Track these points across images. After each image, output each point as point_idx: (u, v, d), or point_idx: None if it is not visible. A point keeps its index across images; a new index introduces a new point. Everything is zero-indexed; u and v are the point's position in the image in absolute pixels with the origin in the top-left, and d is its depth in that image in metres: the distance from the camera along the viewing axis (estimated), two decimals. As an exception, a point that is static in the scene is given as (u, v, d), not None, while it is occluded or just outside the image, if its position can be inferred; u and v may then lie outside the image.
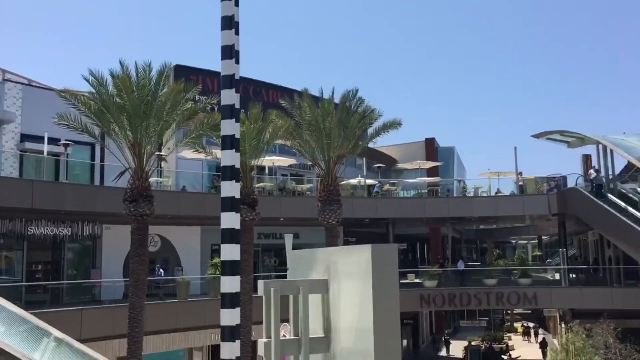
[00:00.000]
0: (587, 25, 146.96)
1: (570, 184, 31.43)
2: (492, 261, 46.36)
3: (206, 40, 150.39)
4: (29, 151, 23.92)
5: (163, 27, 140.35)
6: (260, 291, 3.54)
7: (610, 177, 29.59)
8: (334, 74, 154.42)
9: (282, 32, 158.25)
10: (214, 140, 20.78)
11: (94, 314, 19.56)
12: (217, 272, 21.94)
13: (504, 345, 40.14)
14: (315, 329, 3.55)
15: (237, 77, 4.40)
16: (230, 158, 4.27)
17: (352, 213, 26.99)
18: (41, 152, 23.16)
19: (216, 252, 25.14)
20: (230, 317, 4.04)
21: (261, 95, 34.03)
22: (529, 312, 50.48)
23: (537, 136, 32.82)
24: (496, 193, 32.94)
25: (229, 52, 4.38)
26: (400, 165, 43.57)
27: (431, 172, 41.62)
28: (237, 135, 4.35)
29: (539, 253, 52.48)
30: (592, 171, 29.78)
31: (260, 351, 3.48)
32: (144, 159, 17.52)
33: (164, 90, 18.06)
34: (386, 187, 34.81)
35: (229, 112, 4.32)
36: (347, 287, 3.34)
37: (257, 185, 26.01)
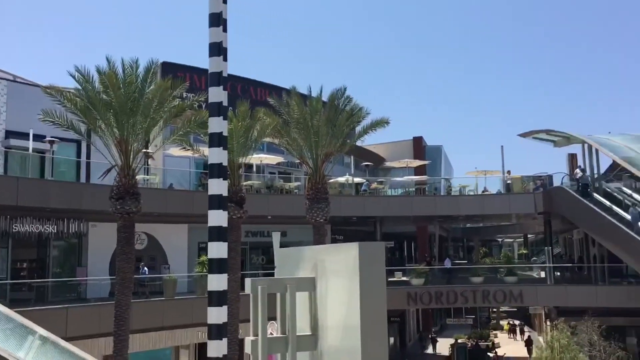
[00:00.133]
0: (578, 25, 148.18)
1: (556, 182, 31.70)
2: (479, 259, 46.60)
3: (194, 37, 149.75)
4: (14, 148, 23.69)
5: (150, 24, 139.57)
6: (248, 289, 3.54)
7: (596, 176, 29.86)
8: (322, 72, 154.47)
9: (271, 29, 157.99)
10: (201, 137, 20.71)
11: (80, 312, 19.43)
12: (204, 270, 21.90)
13: (490, 343, 40.41)
14: (303, 327, 3.56)
15: (225, 74, 4.38)
16: (217, 156, 4.25)
17: (339, 211, 27.02)
18: (26, 149, 22.95)
19: (203, 250, 25.08)
20: (217, 315, 4.03)
21: (249, 93, 33.94)
22: (515, 309, 50.80)
23: (523, 135, 33.04)
24: (483, 192, 33.14)
25: (217, 50, 4.36)
26: (388, 164, 43.67)
27: (419, 170, 41.79)
28: (225, 133, 4.33)
29: (524, 251, 52.82)
30: (578, 170, 30.03)
31: (248, 349, 3.49)
32: (131, 156, 17.42)
33: (151, 87, 17.94)
34: (374, 185, 34.88)
35: (217, 109, 4.31)
36: (334, 285, 3.34)
37: (244, 183, 25.95)
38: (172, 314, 21.56)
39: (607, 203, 27.51)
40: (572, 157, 33.81)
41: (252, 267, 29.43)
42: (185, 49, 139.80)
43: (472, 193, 33.22)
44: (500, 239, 67.32)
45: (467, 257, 56.75)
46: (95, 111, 17.23)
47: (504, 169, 34.60)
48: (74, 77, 17.32)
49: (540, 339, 35.83)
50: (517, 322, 49.84)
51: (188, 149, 21.27)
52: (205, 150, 18.70)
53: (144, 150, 19.79)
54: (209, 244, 4.16)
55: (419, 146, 49.18)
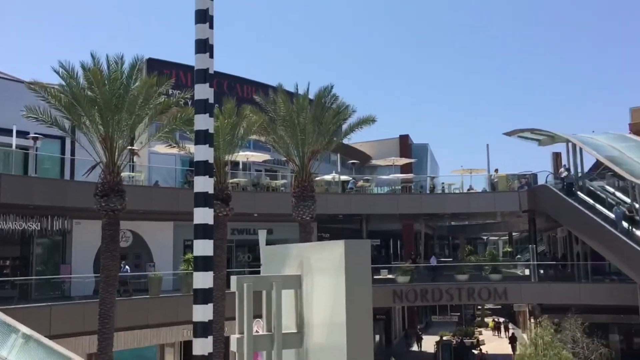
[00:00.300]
0: (564, 25, 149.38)
1: (541, 181, 31.96)
2: (464, 257, 46.83)
3: (180, 33, 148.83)
4: (-4, 144, 23.39)
5: (136, 20, 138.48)
6: (234, 287, 3.53)
7: (580, 174, 30.15)
8: (308, 70, 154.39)
9: (257, 26, 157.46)
10: (187, 135, 20.60)
11: (64, 310, 19.25)
12: (190, 268, 21.80)
13: (475, 340, 40.69)
14: (288, 325, 3.56)
15: (211, 71, 4.37)
16: (203, 153, 4.24)
17: (326, 209, 27.05)
18: (9, 146, 22.67)
19: (189, 247, 24.99)
20: (202, 313, 4.03)
21: (235, 90, 33.81)
22: (500, 307, 51.22)
23: (508, 134, 33.24)
24: (468, 190, 33.33)
25: (203, 46, 4.35)
26: (374, 162, 43.78)
27: (405, 168, 41.93)
28: (211, 130, 4.32)
29: (509, 249, 53.22)
30: (562, 170, 30.31)
31: (233, 347, 3.48)
32: (116, 153, 17.28)
33: (137, 83, 17.80)
34: (360, 183, 34.95)
35: (203, 106, 4.30)
36: (320, 282, 3.35)
37: (230, 181, 25.84)
38: (157, 312, 21.45)
39: (591, 201, 27.80)
40: (557, 156, 34.11)
41: (238, 265, 29.36)
42: (171, 46, 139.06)
43: (457, 191, 33.41)
44: (485, 237, 67.77)
45: (453, 254, 57.05)
46: (79, 107, 17.05)
47: (490, 167, 34.85)
48: (57, 73, 17.15)
49: (524, 336, 36.15)
50: (501, 320, 50.19)
51: (174, 146, 21.15)
52: (191, 147, 18.65)
53: (129, 147, 19.66)
54: (195, 241, 4.16)
55: (405, 144, 49.34)
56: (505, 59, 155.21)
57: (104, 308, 16.58)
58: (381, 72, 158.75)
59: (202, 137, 4.26)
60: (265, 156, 31.10)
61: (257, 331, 3.67)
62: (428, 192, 35.06)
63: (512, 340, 38.15)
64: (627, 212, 25.32)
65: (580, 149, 29.75)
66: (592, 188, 29.29)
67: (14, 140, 22.43)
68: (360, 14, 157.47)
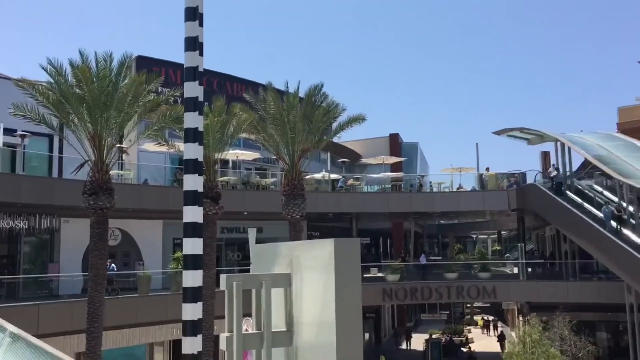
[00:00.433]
0: (555, 25, 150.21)
1: (530, 180, 32.16)
2: (453, 255, 47.12)
3: (170, 31, 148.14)
4: (-17, 142, 23.19)
5: (125, 17, 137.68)
6: (223, 285, 3.52)
7: (568, 173, 30.36)
8: (297, 69, 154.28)
9: (248, 24, 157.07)
10: (176, 133, 20.51)
11: (52, 309, 19.13)
12: (179, 267, 21.73)
13: (464, 338, 40.88)
14: (278, 323, 3.56)
15: (201, 69, 4.35)
16: (193, 151, 4.23)
17: (316, 207, 27.07)
18: (-3, 143, 22.49)
19: (178, 246, 24.88)
20: (192, 311, 4.01)
21: (225, 88, 33.73)
22: (488, 305, 51.50)
23: (498, 133, 33.41)
24: (458, 189, 33.46)
25: (193, 44, 4.33)
26: (364, 160, 43.86)
27: (395, 167, 42.02)
28: (201, 128, 4.30)
29: (498, 248, 53.55)
30: (552, 169, 30.53)
31: (223, 345, 3.47)
32: (104, 151, 17.18)
33: (125, 81, 17.69)
34: (350, 182, 35.00)
35: (193, 104, 4.28)
36: (309, 281, 3.35)
37: (220, 179, 25.81)
38: (146, 310, 21.36)
39: (579, 200, 28.02)
40: (545, 155, 34.33)
41: (227, 264, 29.30)
42: (161, 43, 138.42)
43: (447, 190, 33.54)
44: (474, 236, 68.12)
45: (442, 253, 57.31)
46: (68, 105, 16.93)
47: (479, 166, 35.02)
48: (45, 70, 17.01)
49: (513, 334, 36.38)
50: (490, 318, 50.47)
51: (163, 144, 21.06)
52: (181, 145, 18.54)
53: (118, 145, 19.52)
54: (184, 240, 4.14)
55: (395, 143, 49.45)
56: (496, 58, 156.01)
57: (92, 307, 16.48)
58: (372, 71, 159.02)
59: (192, 135, 4.25)
60: (255, 154, 31.06)
61: (246, 330, 3.67)
62: (417, 190, 35.18)
63: (501, 338, 38.37)
64: (615, 212, 25.53)
65: (569, 148, 29.96)
66: (580, 187, 29.52)
67: (1, 138, 22.24)
68: (350, 13, 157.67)
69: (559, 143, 30.78)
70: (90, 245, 17.31)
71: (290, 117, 20.84)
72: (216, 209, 20.03)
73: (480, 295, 29.80)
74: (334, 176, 34.02)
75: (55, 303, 20.00)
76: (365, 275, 29.80)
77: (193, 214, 4.14)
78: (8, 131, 22.32)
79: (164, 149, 22.33)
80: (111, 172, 18.43)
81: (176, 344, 22.92)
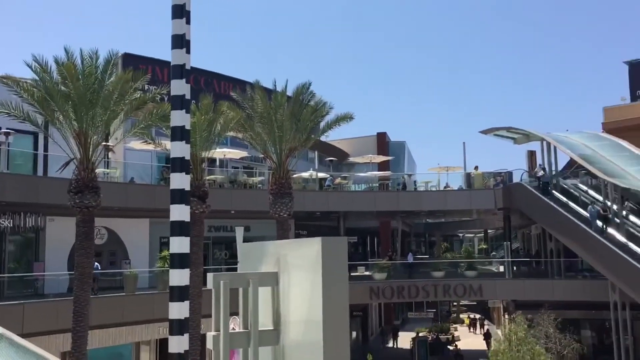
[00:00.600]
0: (544, 24, 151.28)
1: (516, 179, 32.37)
2: (440, 254, 47.33)
3: (156, 28, 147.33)
4: (-33, 139, 22.90)
5: (111, 14, 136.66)
6: (210, 284, 3.52)
7: (554, 172, 30.61)
8: (286, 68, 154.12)
9: (234, 23, 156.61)
10: (163, 131, 20.40)
11: (37, 308, 18.96)
12: (166, 265, 21.63)
13: (451, 336, 41.08)
14: (265, 322, 3.56)
15: (187, 67, 4.33)
16: (180, 149, 4.21)
17: (303, 206, 27.06)
18: (-20, 141, 22.23)
19: (165, 244, 24.79)
20: (178, 310, 4.00)
21: (212, 87, 33.62)
22: (475, 303, 51.80)
23: (485, 132, 33.59)
24: (445, 187, 33.61)
25: (180, 42, 4.31)
26: (351, 159, 43.91)
27: (382, 166, 42.09)
28: (188, 127, 4.29)
29: (484, 246, 53.82)
30: (538, 169, 30.80)
31: (209, 344, 3.46)
32: (90, 149, 17.05)
33: (112, 79, 17.57)
34: (338, 180, 35.03)
35: (179, 102, 4.26)
36: (297, 279, 3.35)
37: (207, 178, 25.71)
38: (133, 309, 21.24)
39: (564, 199, 28.27)
40: (532, 154, 34.60)
41: (214, 262, 29.21)
42: (148, 41, 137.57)
43: (434, 189, 33.67)
44: (461, 234, 68.48)
45: (429, 251, 57.52)
46: (53, 102, 16.78)
47: (466, 165, 35.20)
48: (30, 67, 16.83)
49: (499, 332, 36.63)
50: (477, 316, 50.76)
51: (150, 143, 20.94)
52: (168, 143, 18.43)
53: (104, 143, 19.40)
54: (171, 238, 4.12)
55: (382, 142, 49.55)
56: (484, 58, 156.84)
57: (78, 306, 16.36)
58: (360, 70, 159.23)
59: (179, 134, 4.23)
60: (243, 153, 30.98)
61: (233, 328, 3.66)
62: (402, 188, 35.28)
63: (487, 336, 38.61)
64: (601, 211, 25.79)
65: (555, 148, 30.21)
66: (566, 186, 29.78)
67: (-15, 136, 21.98)
68: (338, 13, 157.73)
69: (545, 142, 31.02)
70: (76, 244, 17.18)
71: (277, 115, 20.80)
72: (203, 208, 19.96)
73: (467, 293, 29.97)
74: (321, 175, 34.03)
75: (40, 302, 19.84)
76: (352, 274, 29.88)
77: (180, 212, 4.12)
78: (-8, 129, 22.07)
79: (150, 147, 22.21)
80: (97, 171, 18.31)
81: (163, 343, 22.82)
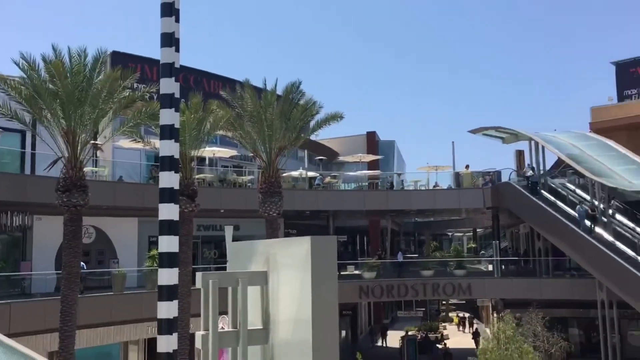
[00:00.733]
0: (533, 25, 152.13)
1: (504, 178, 32.54)
2: (429, 253, 47.48)
3: (146, 27, 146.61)
4: (-47, 138, 22.69)
5: (100, 12, 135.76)
6: (199, 283, 3.51)
7: (542, 172, 30.81)
8: (276, 67, 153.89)
9: (224, 20, 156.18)
10: (152, 129, 20.33)
11: (24, 307, 18.82)
12: (155, 265, 21.53)
13: (439, 335, 41.23)
14: (254, 321, 3.55)
15: (177, 65, 4.31)
16: (169, 148, 4.19)
17: (293, 205, 27.04)
18: (-33, 139, 22.04)
19: (154, 243, 24.67)
20: (167, 309, 3.98)
21: (202, 85, 33.52)
22: (464, 302, 52.00)
23: (473, 132, 33.72)
24: (434, 187, 33.71)
25: (169, 40, 4.29)
26: (341, 158, 43.91)
27: (372, 165, 42.15)
28: (177, 125, 4.27)
29: (473, 245, 54.13)
30: (527, 169, 30.99)
31: (198, 344, 3.46)
32: (78, 148, 16.93)
33: (100, 77, 17.47)
34: (327, 179, 35.04)
35: (169, 101, 4.24)
36: (286, 279, 3.35)
37: (197, 176, 25.64)
38: (121, 309, 21.14)
39: (552, 198, 28.46)
40: (520, 154, 34.77)
41: (204, 261, 29.13)
42: (137, 39, 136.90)
43: (423, 188, 33.77)
44: (450, 233, 68.73)
45: (418, 251, 57.68)
46: (40, 100, 16.65)
47: (455, 165, 35.32)
48: (18, 64, 16.69)
49: (487, 330, 36.79)
50: (466, 315, 50.98)
51: (138, 141, 20.83)
52: (157, 142, 18.41)
53: (93, 141, 19.26)
54: (160, 237, 4.10)
55: (372, 141, 49.62)
56: (472, 58, 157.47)
57: (65, 305, 16.25)
58: (350, 69, 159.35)
59: (168, 132, 4.21)
60: (232, 152, 30.91)
61: (222, 328, 3.66)
62: (389, 187, 35.35)
63: (476, 335, 38.78)
64: (589, 211, 26.00)
65: (543, 147, 30.41)
66: (553, 185, 29.98)
67: (-28, 134, 21.80)
68: (328, 12, 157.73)
69: (533, 142, 31.21)
70: (63, 243, 17.06)
71: (267, 114, 20.78)
72: (192, 207, 19.90)
73: (456, 292, 30.09)
74: (311, 174, 34.01)
75: (27, 302, 19.69)
76: (341, 273, 29.92)
77: (169, 211, 4.10)
78: (-21, 127, 21.88)
79: (139, 145, 22.10)
80: (85, 169, 18.19)
81: (151, 343, 22.72)
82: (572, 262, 28.07)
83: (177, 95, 4.27)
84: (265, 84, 21.64)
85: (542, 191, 29.19)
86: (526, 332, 23.45)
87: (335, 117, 21.99)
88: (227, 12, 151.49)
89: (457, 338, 43.01)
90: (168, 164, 4.16)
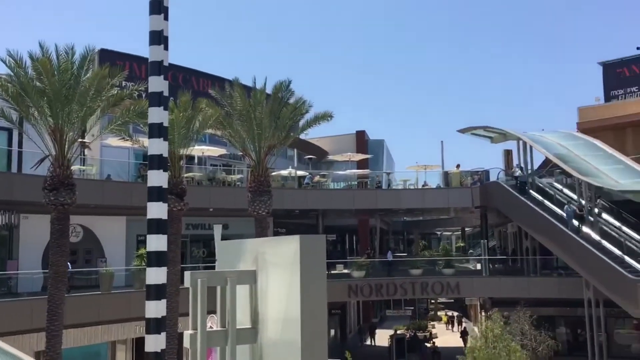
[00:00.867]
0: (521, 24, 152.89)
1: (493, 177, 32.70)
2: (418, 252, 47.63)
3: (134, 24, 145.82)
4: (-62, 135, 22.46)
5: (88, 9, 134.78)
6: (187, 282, 3.50)
7: (529, 171, 31.00)
8: (264, 65, 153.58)
9: (213, 18, 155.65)
10: (141, 128, 20.21)
11: (10, 307, 18.66)
12: (143, 264, 21.43)
13: (428, 334, 41.38)
14: (243, 320, 3.55)
15: (166, 63, 4.29)
16: (157, 147, 4.17)
17: (282, 204, 27.01)
18: (-47, 137, 21.81)
19: (142, 242, 24.55)
20: (155, 309, 3.96)
21: (191, 83, 33.38)
22: (452, 301, 52.24)
23: (462, 131, 33.83)
24: (423, 186, 33.81)
25: (158, 38, 4.26)
26: (330, 157, 43.92)
27: (361, 164, 42.21)
28: (166, 124, 4.25)
29: (462, 244, 54.31)
30: (516, 168, 31.15)
31: (186, 343, 3.44)
32: (66, 146, 16.81)
33: (88, 74, 17.35)
34: (316, 178, 35.02)
35: (157, 99, 4.22)
36: (275, 277, 3.34)
37: (186, 175, 25.54)
38: (109, 308, 21.02)
39: (540, 198, 28.63)
40: (508, 153, 34.96)
41: (192, 260, 29.04)
42: (125, 37, 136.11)
43: (412, 187, 33.86)
44: (439, 232, 69.00)
45: (407, 249, 57.85)
46: (27, 98, 16.52)
47: (444, 164, 35.45)
48: (4, 62, 16.54)
49: (475, 329, 37.00)
50: (455, 314, 51.19)
51: (127, 140, 20.71)
52: (145, 141, 18.30)
53: (80, 139, 19.14)
54: (148, 236, 4.08)
55: (361, 140, 49.68)
56: (462, 57, 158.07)
57: (52, 304, 16.13)
58: (339, 68, 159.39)
59: (157, 131, 4.19)
60: (221, 150, 30.83)
61: (211, 327, 3.64)
62: (376, 186, 35.41)
63: (464, 333, 38.97)
64: (577, 211, 26.20)
65: (531, 147, 30.58)
66: (541, 185, 30.17)
67: (-42, 132, 21.58)
68: (316, 10, 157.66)
69: (521, 142, 31.38)
70: (50, 242, 16.93)
71: (256, 113, 20.74)
72: (181, 205, 19.83)
73: (444, 291, 30.20)
74: (300, 173, 33.99)
75: (13, 301, 19.52)
76: (331, 272, 29.93)
77: (157, 210, 4.08)
78: (-35, 125, 21.65)
79: (127, 144, 21.98)
80: (73, 168, 18.07)
81: (139, 342, 22.62)
82: (560, 261, 28.25)
83: (165, 93, 4.25)
84: (254, 83, 21.61)
85: (530, 190, 29.37)
86: (514, 331, 23.59)
87: (325, 117, 21.99)
88: (215, 10, 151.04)
89: (445, 337, 43.18)
90: (157, 162, 4.14)
